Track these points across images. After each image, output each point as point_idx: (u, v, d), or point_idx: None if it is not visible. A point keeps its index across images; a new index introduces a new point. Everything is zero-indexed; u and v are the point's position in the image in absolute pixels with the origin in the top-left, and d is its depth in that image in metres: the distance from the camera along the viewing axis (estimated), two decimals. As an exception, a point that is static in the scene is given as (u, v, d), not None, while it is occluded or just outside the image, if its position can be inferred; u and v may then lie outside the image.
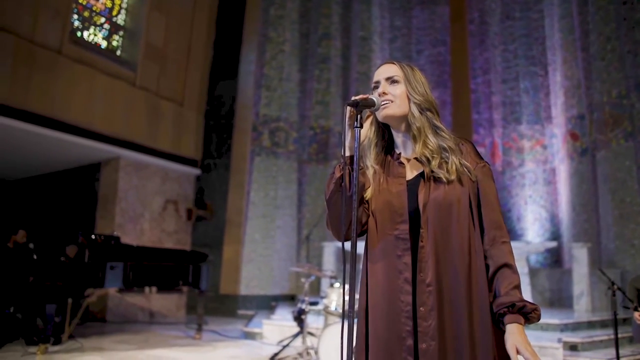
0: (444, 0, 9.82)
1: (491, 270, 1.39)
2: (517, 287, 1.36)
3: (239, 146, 9.41)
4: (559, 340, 5.14)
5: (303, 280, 5.55)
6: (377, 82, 1.54)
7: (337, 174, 1.48)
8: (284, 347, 5.38)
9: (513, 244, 5.78)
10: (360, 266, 1.56)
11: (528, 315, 1.33)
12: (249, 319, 7.87)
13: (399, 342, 1.37)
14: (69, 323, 5.87)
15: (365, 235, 1.53)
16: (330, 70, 9.94)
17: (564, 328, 5.81)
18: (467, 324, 1.34)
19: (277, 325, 6.42)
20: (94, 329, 7.03)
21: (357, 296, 1.56)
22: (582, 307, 6.91)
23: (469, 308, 1.35)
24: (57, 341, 5.62)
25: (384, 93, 1.50)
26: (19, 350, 5.24)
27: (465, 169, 1.45)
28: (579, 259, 7.07)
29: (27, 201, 9.78)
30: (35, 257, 6.20)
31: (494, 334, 1.36)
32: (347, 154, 1.46)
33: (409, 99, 1.51)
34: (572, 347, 5.27)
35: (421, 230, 1.41)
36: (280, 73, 9.71)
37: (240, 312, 8.60)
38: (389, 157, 1.57)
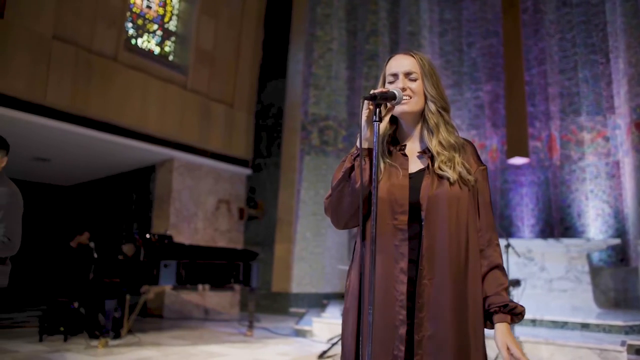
0: (496, -10, 9.49)
1: (485, 269, 1.46)
2: (506, 289, 1.45)
3: (289, 145, 9.50)
4: (623, 343, 4.84)
5: (351, 278, 5.52)
6: (395, 75, 1.53)
7: (348, 165, 1.49)
8: (333, 344, 5.38)
9: (572, 241, 5.51)
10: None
11: (516, 316, 1.41)
12: (301, 316, 7.93)
13: (392, 331, 1.39)
14: (127, 319, 6.13)
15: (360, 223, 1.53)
16: (379, 67, 9.82)
17: (629, 330, 5.47)
18: (460, 317, 1.37)
19: (327, 323, 6.43)
20: (151, 324, 7.31)
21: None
22: (651, 309, 6.50)
23: (464, 302, 1.38)
24: (117, 335, 5.90)
25: (403, 89, 1.50)
26: (83, 343, 5.53)
27: (466, 170, 1.47)
28: (646, 257, 6.65)
29: (88, 204, 10.30)
30: (95, 255, 6.51)
31: (483, 328, 1.42)
32: (365, 145, 1.45)
33: (425, 96, 1.52)
34: (638, 351, 4.95)
35: (422, 224, 1.43)
36: (329, 71, 9.72)
37: (292, 310, 8.68)
38: (393, 149, 1.57)
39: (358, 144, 1.47)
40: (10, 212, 2.78)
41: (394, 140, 1.60)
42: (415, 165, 1.53)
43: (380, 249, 1.44)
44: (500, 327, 1.39)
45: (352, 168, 1.48)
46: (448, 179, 1.44)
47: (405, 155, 1.54)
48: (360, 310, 1.45)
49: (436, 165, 1.47)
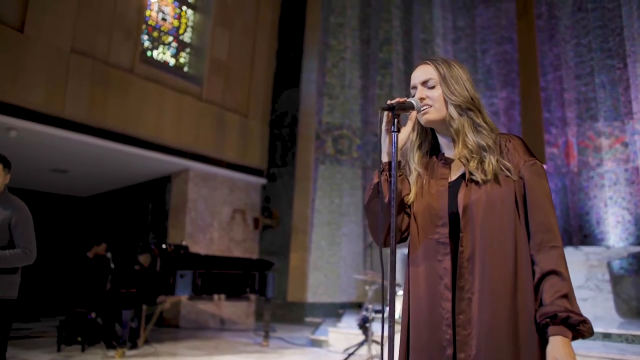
0: (509, -4, 9.44)
1: (537, 277, 1.29)
2: (565, 296, 1.24)
3: (303, 154, 9.51)
4: (647, 354, 4.73)
5: (367, 287, 5.50)
6: (414, 87, 1.50)
7: (375, 180, 1.45)
8: (349, 355, 5.33)
9: (592, 249, 5.29)
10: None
11: (576, 327, 1.22)
12: (316, 326, 7.89)
13: (440, 351, 1.32)
14: (144, 329, 6.16)
15: (408, 240, 1.50)
16: (393, 76, 9.83)
17: (653, 340, 5.34)
18: (509, 334, 1.26)
19: (343, 333, 6.38)
20: (168, 334, 7.33)
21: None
22: (675, 318, 6.34)
23: (513, 317, 1.27)
24: (134, 346, 5.92)
25: (421, 98, 1.46)
26: (100, 353, 5.57)
27: (504, 169, 1.37)
28: (669, 264, 6.50)
29: (105, 214, 10.41)
30: (112, 266, 6.56)
31: (540, 345, 1.26)
32: (385, 159, 1.43)
33: (446, 102, 1.44)
34: (663, 361, 4.83)
35: (460, 235, 1.34)
36: (342, 80, 9.74)
37: (308, 319, 8.64)
38: (435, 158, 1.52)
39: (380, 157, 1.45)
40: (27, 225, 2.97)
41: (436, 149, 1.55)
42: (454, 173, 1.45)
43: (424, 264, 1.39)
44: (553, 341, 1.21)
45: (379, 183, 1.44)
46: (483, 182, 1.35)
47: (445, 164, 1.48)
48: (408, 329, 1.41)
49: (468, 170, 1.39)
